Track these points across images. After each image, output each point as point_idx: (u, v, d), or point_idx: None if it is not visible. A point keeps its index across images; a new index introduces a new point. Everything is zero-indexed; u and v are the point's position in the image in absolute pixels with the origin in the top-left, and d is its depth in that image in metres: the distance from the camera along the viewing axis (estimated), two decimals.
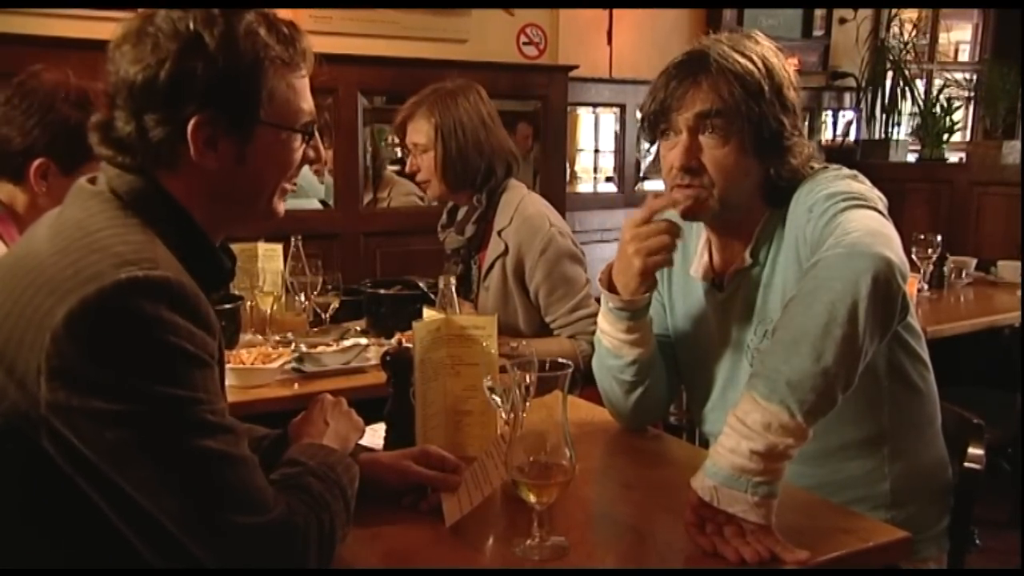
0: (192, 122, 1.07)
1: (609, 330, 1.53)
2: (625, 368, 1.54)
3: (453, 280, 1.73)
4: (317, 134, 1.19)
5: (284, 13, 1.15)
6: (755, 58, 1.41)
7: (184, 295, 0.98)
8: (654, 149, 1.51)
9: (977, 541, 1.62)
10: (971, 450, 1.54)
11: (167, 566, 0.95)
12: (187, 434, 0.95)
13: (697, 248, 1.58)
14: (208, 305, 1.02)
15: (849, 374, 1.12)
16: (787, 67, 1.46)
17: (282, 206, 1.20)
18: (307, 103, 1.16)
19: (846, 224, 1.24)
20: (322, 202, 4.11)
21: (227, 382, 1.26)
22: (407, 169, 2.45)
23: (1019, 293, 3.19)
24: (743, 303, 1.49)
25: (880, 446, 1.44)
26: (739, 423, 1.11)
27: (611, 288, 1.49)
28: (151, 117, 1.07)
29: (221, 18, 1.07)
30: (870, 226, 1.22)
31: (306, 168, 1.25)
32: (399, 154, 4.52)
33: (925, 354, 1.49)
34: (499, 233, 2.31)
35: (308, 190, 4.00)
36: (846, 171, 1.44)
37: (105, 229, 1.01)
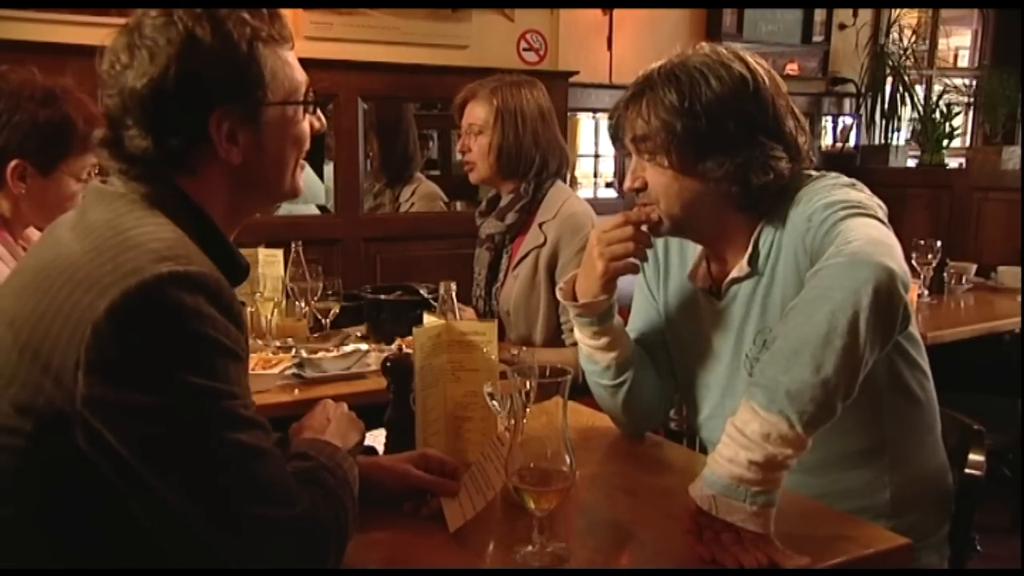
0: (211, 121, 1.08)
1: (580, 337, 1.56)
2: (603, 372, 1.56)
3: (454, 286, 1.73)
4: (315, 98, 1.21)
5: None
6: (694, 78, 1.38)
7: (220, 290, 1.00)
8: None
9: (978, 547, 1.62)
10: (972, 456, 1.54)
11: (190, 564, 0.96)
12: (222, 427, 0.96)
13: (694, 255, 1.58)
14: (238, 302, 1.04)
15: (849, 385, 1.11)
16: (764, 79, 1.40)
17: (300, 181, 1.22)
18: (301, 74, 1.19)
19: (847, 233, 1.24)
20: (322, 207, 4.10)
21: None
22: (458, 149, 2.48)
23: (1019, 299, 3.19)
24: (741, 312, 1.49)
25: (880, 455, 1.44)
26: (738, 433, 1.11)
27: (572, 297, 1.52)
28: (167, 127, 1.08)
29: (205, 12, 1.08)
30: (871, 235, 1.22)
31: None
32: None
33: (924, 362, 1.49)
34: (540, 225, 2.33)
35: (307, 189, 3.98)
36: (844, 179, 1.44)
37: (136, 228, 1.03)
